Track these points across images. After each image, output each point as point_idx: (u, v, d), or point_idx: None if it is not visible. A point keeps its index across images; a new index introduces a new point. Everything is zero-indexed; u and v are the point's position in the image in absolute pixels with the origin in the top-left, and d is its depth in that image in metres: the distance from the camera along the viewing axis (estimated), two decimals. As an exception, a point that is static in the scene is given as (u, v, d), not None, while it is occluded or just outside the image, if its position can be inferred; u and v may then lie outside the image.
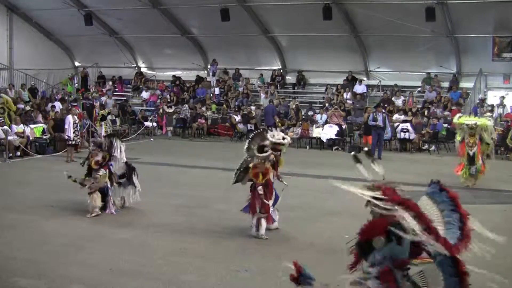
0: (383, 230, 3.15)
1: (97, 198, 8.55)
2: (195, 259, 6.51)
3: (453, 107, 19.36)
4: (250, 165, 7.41)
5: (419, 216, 3.05)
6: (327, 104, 20.62)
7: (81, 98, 22.55)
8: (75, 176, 8.97)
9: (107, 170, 8.78)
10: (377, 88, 22.74)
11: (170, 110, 22.26)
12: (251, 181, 7.50)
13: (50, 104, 20.07)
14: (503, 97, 19.93)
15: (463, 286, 3.19)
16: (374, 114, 16.18)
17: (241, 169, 7.56)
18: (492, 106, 19.58)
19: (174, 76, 25.72)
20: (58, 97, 22.00)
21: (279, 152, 7.56)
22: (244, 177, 7.54)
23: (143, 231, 7.72)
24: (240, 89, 23.87)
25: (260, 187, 7.33)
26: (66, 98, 22.12)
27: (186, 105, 22.47)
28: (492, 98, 20.45)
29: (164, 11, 22.84)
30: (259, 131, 8.04)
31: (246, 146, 7.67)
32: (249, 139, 7.74)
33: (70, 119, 14.48)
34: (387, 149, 17.57)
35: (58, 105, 19.40)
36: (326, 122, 19.10)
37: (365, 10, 20.02)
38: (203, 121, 21.40)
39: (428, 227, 3.02)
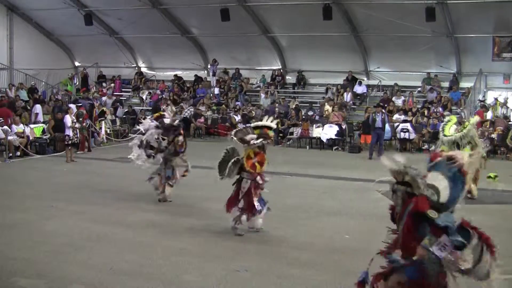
0: (428, 204, 3.62)
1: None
2: (195, 259, 6.50)
3: (479, 109, 19.27)
4: (242, 157, 7.31)
5: None
6: (326, 104, 20.62)
7: (82, 97, 22.55)
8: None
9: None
10: (377, 88, 22.75)
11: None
12: (238, 175, 7.44)
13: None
14: (497, 99, 19.89)
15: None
16: (373, 114, 16.19)
17: (232, 161, 7.32)
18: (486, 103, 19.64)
19: (175, 75, 25.72)
20: (57, 97, 22.01)
21: (268, 140, 7.50)
22: (234, 171, 7.38)
23: (143, 231, 7.71)
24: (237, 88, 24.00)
25: (259, 177, 7.33)
26: (62, 99, 22.02)
27: (187, 105, 22.55)
28: (493, 98, 20.41)
29: (164, 11, 22.84)
30: (240, 128, 7.95)
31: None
32: (232, 135, 7.55)
33: (68, 119, 14.47)
34: (387, 149, 17.57)
35: (38, 108, 18.95)
36: (326, 122, 19.12)
37: (365, 10, 20.02)
38: (202, 120, 21.42)
39: None
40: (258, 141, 7.30)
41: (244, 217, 7.39)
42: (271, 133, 7.63)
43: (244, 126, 7.83)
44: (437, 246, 3.54)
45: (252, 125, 7.73)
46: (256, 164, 7.27)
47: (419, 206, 3.63)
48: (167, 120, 9.68)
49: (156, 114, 10.31)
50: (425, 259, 3.57)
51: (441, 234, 3.56)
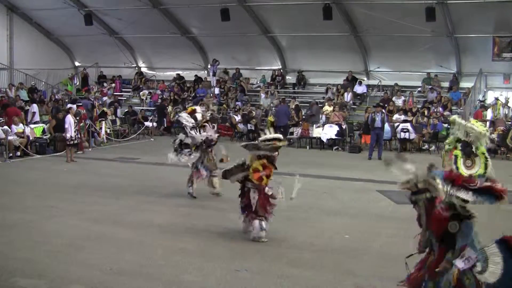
0: (448, 215, 3.55)
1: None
2: (195, 259, 6.50)
3: (478, 108, 19.29)
4: (250, 166, 7.23)
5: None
6: (326, 104, 20.62)
7: (84, 97, 22.57)
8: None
9: None
10: (377, 88, 22.75)
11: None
12: (241, 183, 7.37)
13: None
14: (498, 99, 19.82)
15: None
16: (373, 114, 16.17)
17: (236, 165, 7.36)
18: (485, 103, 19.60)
19: (178, 74, 25.73)
20: (57, 97, 21.99)
21: (277, 153, 7.40)
22: (234, 174, 7.37)
23: (143, 231, 7.71)
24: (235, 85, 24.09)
25: (267, 189, 7.19)
26: (62, 99, 22.04)
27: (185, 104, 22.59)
28: (494, 98, 20.39)
29: (164, 11, 22.85)
30: (252, 143, 7.85)
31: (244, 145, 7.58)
32: (244, 146, 7.53)
33: (70, 119, 14.46)
34: (387, 149, 17.57)
35: (35, 107, 18.85)
36: (326, 122, 19.12)
37: (365, 10, 20.01)
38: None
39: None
40: (275, 153, 7.21)
41: (264, 223, 7.20)
42: (280, 143, 7.38)
43: (254, 142, 7.61)
44: (461, 259, 3.56)
45: (261, 139, 7.37)
46: (264, 177, 7.11)
47: (436, 224, 3.63)
48: (199, 116, 10.08)
49: (190, 108, 10.60)
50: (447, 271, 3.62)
51: (465, 247, 3.58)
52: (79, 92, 24.85)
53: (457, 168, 9.40)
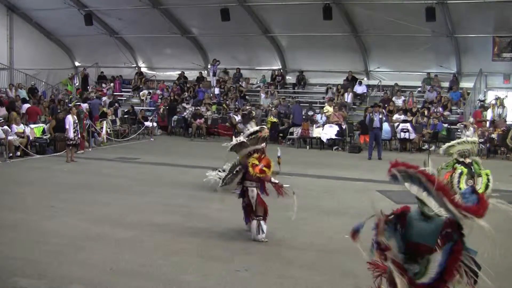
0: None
1: None
2: (195, 259, 6.50)
3: (477, 109, 19.28)
4: (242, 166, 7.25)
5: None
6: (327, 104, 20.63)
7: (81, 98, 22.56)
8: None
9: None
10: (377, 88, 22.75)
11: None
12: (240, 184, 7.35)
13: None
14: (499, 98, 19.76)
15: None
16: (371, 114, 16.17)
17: (233, 171, 7.35)
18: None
19: (182, 72, 25.76)
20: (56, 98, 21.98)
21: (264, 144, 7.45)
22: (233, 180, 7.35)
23: (143, 231, 7.70)
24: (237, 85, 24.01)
25: (273, 178, 7.26)
26: (62, 99, 22.04)
27: (189, 105, 22.59)
28: (495, 96, 20.37)
29: (164, 11, 22.87)
30: (238, 142, 7.73)
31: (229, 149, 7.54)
32: (230, 149, 7.47)
33: (70, 119, 14.45)
34: (387, 149, 17.58)
35: (25, 107, 18.65)
36: (326, 122, 19.12)
37: (365, 10, 20.04)
38: (202, 120, 21.41)
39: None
40: (263, 145, 7.29)
41: (262, 223, 7.19)
42: (264, 132, 7.43)
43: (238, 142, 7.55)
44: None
45: (244, 135, 7.44)
46: (265, 169, 7.13)
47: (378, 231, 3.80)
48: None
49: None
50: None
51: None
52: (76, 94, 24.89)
53: (459, 182, 9.33)
